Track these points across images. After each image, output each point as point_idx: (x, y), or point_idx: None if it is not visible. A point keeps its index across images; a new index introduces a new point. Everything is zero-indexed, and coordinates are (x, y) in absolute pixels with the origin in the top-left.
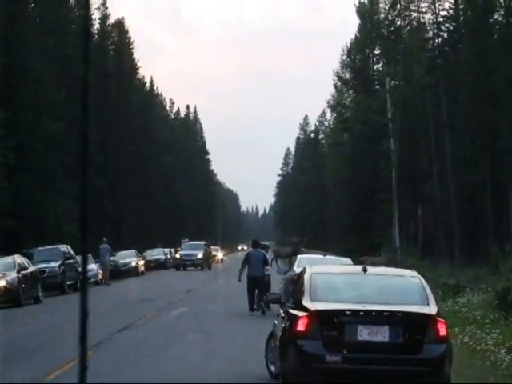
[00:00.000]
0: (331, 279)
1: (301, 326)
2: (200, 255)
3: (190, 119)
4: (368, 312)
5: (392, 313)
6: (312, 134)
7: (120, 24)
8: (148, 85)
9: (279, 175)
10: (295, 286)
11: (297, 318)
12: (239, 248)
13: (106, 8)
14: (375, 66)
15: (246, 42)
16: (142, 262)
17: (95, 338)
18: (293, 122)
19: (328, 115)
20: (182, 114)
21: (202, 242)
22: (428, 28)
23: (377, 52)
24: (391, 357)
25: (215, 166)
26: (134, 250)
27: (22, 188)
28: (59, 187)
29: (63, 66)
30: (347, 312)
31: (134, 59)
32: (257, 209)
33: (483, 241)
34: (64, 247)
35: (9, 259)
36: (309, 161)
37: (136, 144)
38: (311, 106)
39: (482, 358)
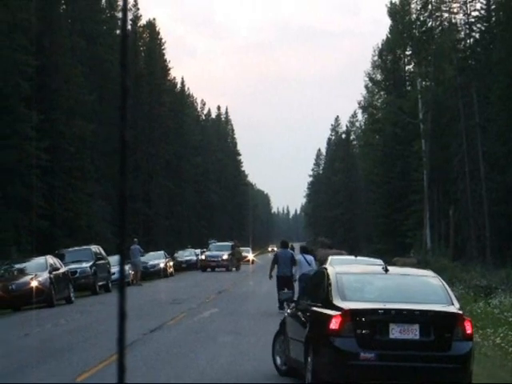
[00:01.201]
0: (356, 279)
1: (334, 325)
2: (225, 256)
3: (222, 120)
4: (399, 311)
5: (422, 312)
6: (343, 135)
7: (151, 25)
8: (179, 86)
9: (310, 176)
10: (315, 285)
11: (330, 316)
12: (269, 249)
13: (138, 9)
14: (406, 67)
15: (278, 43)
16: (170, 263)
17: (128, 338)
18: (324, 123)
19: (359, 116)
20: (214, 115)
21: (229, 243)
22: (460, 28)
23: (408, 53)
24: (422, 354)
25: (246, 167)
26: (162, 252)
27: (54, 189)
28: (90, 188)
29: (94, 67)
30: (380, 311)
31: (166, 60)
32: (288, 210)
33: None
34: (95, 248)
35: (41, 260)
36: (340, 162)
37: (168, 145)
38: (342, 107)
39: None
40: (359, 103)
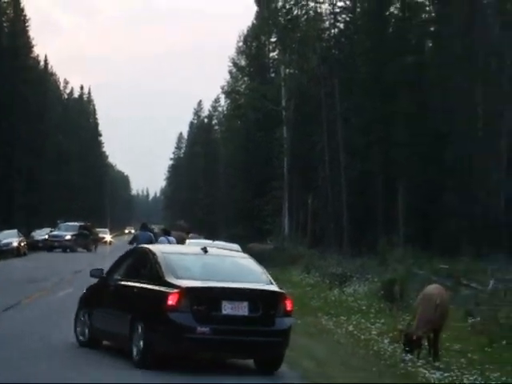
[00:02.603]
0: (182, 258)
1: (172, 301)
2: (68, 236)
3: (84, 100)
4: (231, 289)
5: (251, 290)
6: (205, 120)
7: (16, 1)
8: (42, 63)
9: (171, 159)
10: (135, 262)
11: (166, 293)
12: (126, 231)
13: None
14: (271, 54)
15: (142, 22)
16: (24, 243)
17: None
18: (187, 106)
19: (222, 101)
20: (76, 95)
21: (77, 223)
22: (325, 18)
23: (273, 40)
24: (251, 329)
25: (107, 148)
26: (15, 230)
27: None
28: None
29: None
30: (214, 289)
31: (29, 37)
32: (148, 192)
33: (372, 232)
34: None
35: None
36: (201, 146)
37: (29, 122)
38: (206, 92)
39: (365, 347)
40: (222, 88)
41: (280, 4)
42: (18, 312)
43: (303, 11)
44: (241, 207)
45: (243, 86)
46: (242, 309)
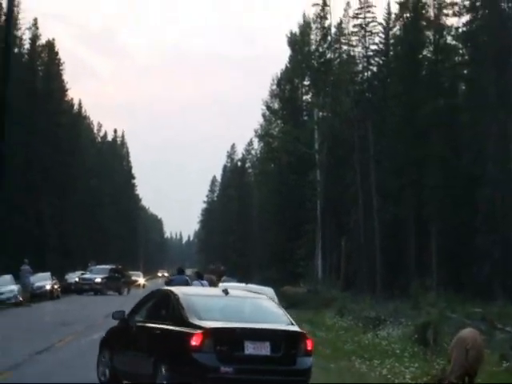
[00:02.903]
0: (204, 300)
1: (196, 342)
2: (98, 279)
3: (117, 143)
4: (253, 330)
5: (272, 330)
6: (239, 163)
7: (50, 45)
8: (76, 107)
9: (205, 202)
10: (157, 304)
11: (191, 334)
12: (159, 274)
13: (37, 28)
14: (304, 97)
15: (177, 67)
16: (57, 285)
17: (14, 359)
18: (220, 150)
19: (255, 144)
20: (110, 138)
21: (108, 266)
22: (358, 61)
23: (306, 83)
24: (273, 368)
25: (141, 191)
26: (48, 273)
27: None
28: None
29: None
30: (237, 330)
31: (63, 81)
32: (181, 235)
33: (405, 275)
34: None
35: None
36: (235, 189)
37: (63, 165)
38: (239, 135)
39: None
40: (256, 131)
41: (313, 47)
42: (50, 354)
43: (336, 54)
44: (274, 250)
45: (276, 129)
46: (264, 349)
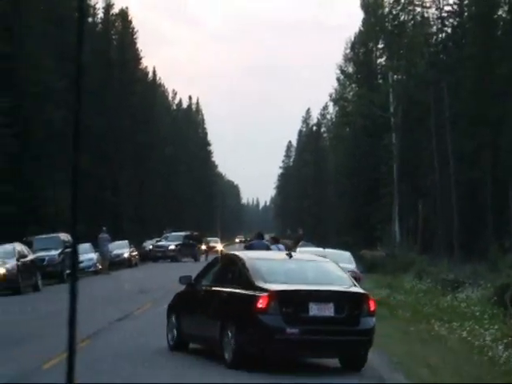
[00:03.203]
0: (269, 264)
1: (262, 304)
2: (172, 246)
3: (192, 110)
4: (317, 292)
5: (336, 292)
6: (314, 128)
7: (124, 13)
8: (151, 75)
9: (280, 168)
10: (223, 268)
11: (257, 297)
12: (237, 240)
13: None
14: (378, 60)
15: (249, 34)
16: (134, 253)
17: (94, 326)
18: (295, 115)
19: (330, 109)
20: (185, 105)
21: (182, 233)
22: (432, 23)
23: (380, 46)
24: (337, 328)
25: (216, 158)
26: (126, 241)
27: (22, 175)
28: (60, 175)
29: (64, 53)
30: (301, 292)
31: (138, 49)
32: (257, 201)
33: (483, 237)
34: (64, 235)
35: (9, 247)
36: (310, 154)
37: (138, 134)
38: (314, 100)
39: (479, 353)
40: (330, 96)
41: (387, 10)
42: (130, 322)
43: (410, 16)
44: (350, 214)
45: (351, 93)
46: (328, 310)
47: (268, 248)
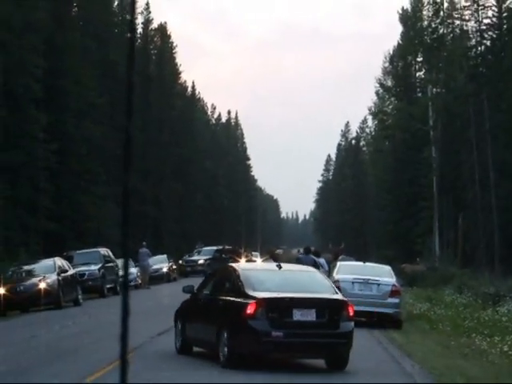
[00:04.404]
0: (259, 274)
1: (250, 310)
2: (201, 261)
3: (231, 124)
4: (300, 299)
5: (318, 299)
6: (353, 141)
7: (163, 28)
8: (190, 89)
9: (320, 181)
10: (220, 279)
11: (246, 304)
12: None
13: (149, 12)
14: (417, 74)
15: (288, 45)
16: (173, 267)
17: (136, 340)
18: (334, 128)
19: (369, 122)
20: (224, 119)
21: (214, 248)
22: (471, 36)
23: (419, 59)
24: (318, 332)
25: (256, 172)
26: (165, 255)
27: (63, 191)
28: (100, 191)
29: (105, 69)
30: (286, 299)
31: (176, 64)
32: (297, 215)
33: None
34: (104, 250)
35: (49, 262)
36: (349, 167)
37: (178, 148)
38: (353, 113)
39: None
40: (370, 109)
41: (425, 23)
42: (169, 336)
43: (449, 30)
44: (390, 228)
45: (390, 107)
46: (310, 315)
47: (315, 262)
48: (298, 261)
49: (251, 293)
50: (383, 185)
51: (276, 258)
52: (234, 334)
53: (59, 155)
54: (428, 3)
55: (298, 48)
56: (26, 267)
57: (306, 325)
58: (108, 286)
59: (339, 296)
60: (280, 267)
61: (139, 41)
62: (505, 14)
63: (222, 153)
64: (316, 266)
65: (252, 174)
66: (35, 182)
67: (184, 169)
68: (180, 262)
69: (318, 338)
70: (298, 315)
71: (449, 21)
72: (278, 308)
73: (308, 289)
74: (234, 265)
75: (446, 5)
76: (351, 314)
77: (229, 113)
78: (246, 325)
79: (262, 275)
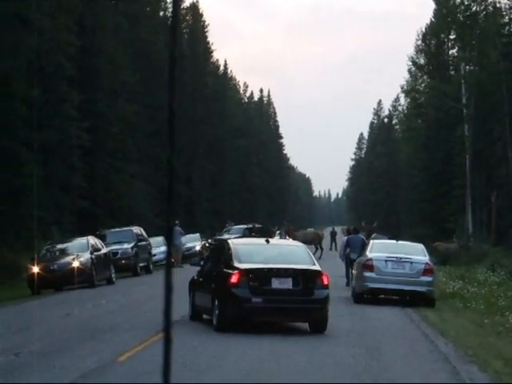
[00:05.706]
0: (248, 248)
1: (234, 279)
2: None
3: (264, 103)
4: (278, 269)
5: (293, 269)
6: (386, 120)
7: (195, 7)
8: (222, 68)
9: (352, 160)
10: (217, 253)
11: (230, 274)
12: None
13: None
14: (450, 51)
15: (320, 25)
16: (206, 246)
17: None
18: (367, 107)
19: (402, 100)
20: (256, 98)
21: (243, 226)
22: (504, 13)
23: (452, 37)
24: (294, 298)
25: (288, 150)
26: (198, 234)
27: (95, 170)
28: (132, 169)
29: (138, 48)
30: (264, 269)
31: (208, 42)
32: (329, 193)
33: None
34: (137, 229)
35: (83, 240)
36: (382, 146)
37: (210, 127)
38: (385, 91)
39: None
40: (402, 87)
41: (458, 0)
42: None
43: (482, 7)
44: (423, 206)
45: (423, 85)
46: (287, 283)
47: (364, 241)
48: (348, 240)
49: (237, 264)
50: (416, 163)
51: (290, 235)
52: (222, 301)
53: (92, 134)
54: None
55: (330, 28)
56: (60, 246)
57: (283, 292)
58: (141, 264)
59: (315, 267)
60: (268, 241)
61: (171, 19)
62: None
63: (254, 131)
64: (364, 243)
65: (284, 152)
66: (68, 160)
67: (216, 147)
68: (209, 240)
69: (294, 303)
70: (276, 283)
71: None
72: (258, 277)
73: (288, 260)
74: (228, 240)
75: None
76: (325, 282)
77: (261, 91)
78: (230, 292)
79: (250, 249)
